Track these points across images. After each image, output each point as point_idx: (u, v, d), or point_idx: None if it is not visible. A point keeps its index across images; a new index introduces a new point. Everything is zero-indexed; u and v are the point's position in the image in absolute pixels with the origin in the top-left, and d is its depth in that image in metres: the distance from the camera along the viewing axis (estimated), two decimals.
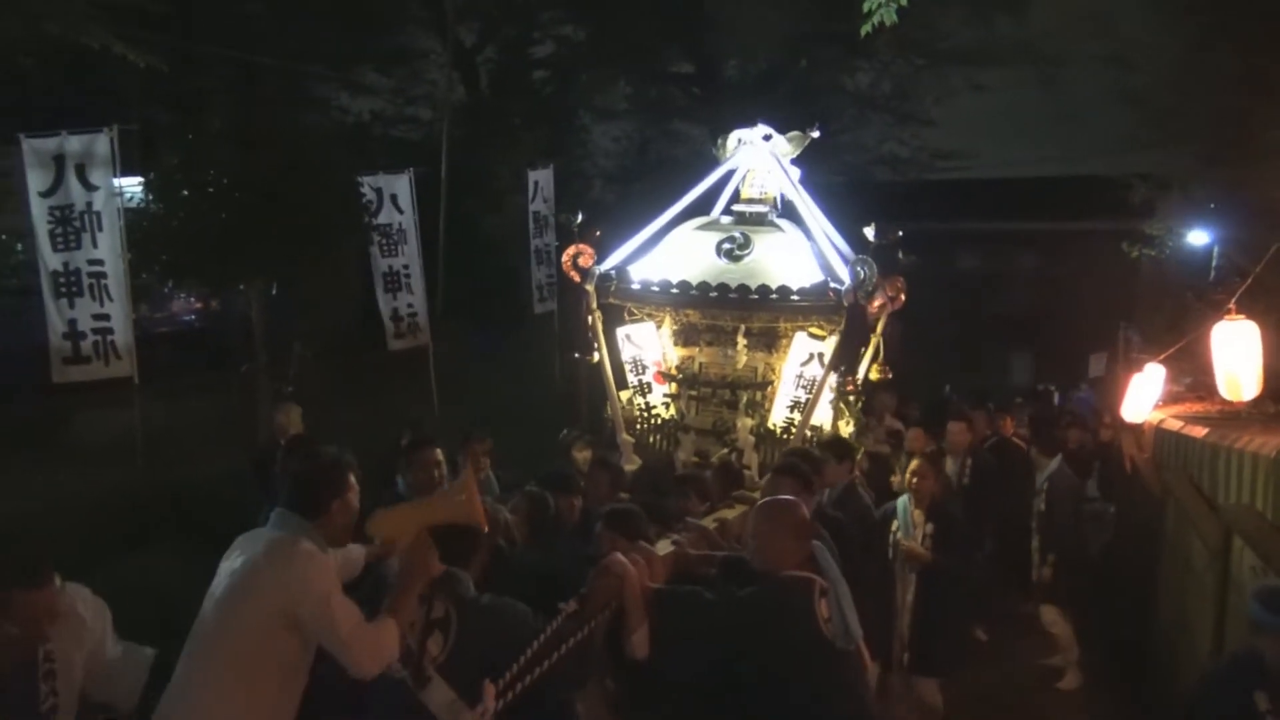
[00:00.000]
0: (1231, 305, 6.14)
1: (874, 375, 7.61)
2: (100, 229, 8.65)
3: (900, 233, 7.06)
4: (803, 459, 4.74)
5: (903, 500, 5.86)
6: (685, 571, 3.65)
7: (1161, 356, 8.17)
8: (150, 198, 10.00)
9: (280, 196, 9.48)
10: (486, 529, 3.44)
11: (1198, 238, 11.51)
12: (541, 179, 14.21)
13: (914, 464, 5.81)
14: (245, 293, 10.76)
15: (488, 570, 3.47)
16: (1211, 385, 7.83)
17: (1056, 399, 12.71)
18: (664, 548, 3.70)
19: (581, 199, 14.41)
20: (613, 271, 7.48)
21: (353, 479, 3.39)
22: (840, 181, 23.98)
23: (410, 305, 11.78)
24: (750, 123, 8.05)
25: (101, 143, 8.62)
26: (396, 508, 3.63)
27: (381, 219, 11.53)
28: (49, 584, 2.94)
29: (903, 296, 7.41)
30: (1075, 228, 21.34)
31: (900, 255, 7.32)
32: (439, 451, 4.90)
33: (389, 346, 11.83)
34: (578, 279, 7.43)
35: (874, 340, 7.58)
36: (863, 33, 7.30)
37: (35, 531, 7.54)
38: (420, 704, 3.06)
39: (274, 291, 11.88)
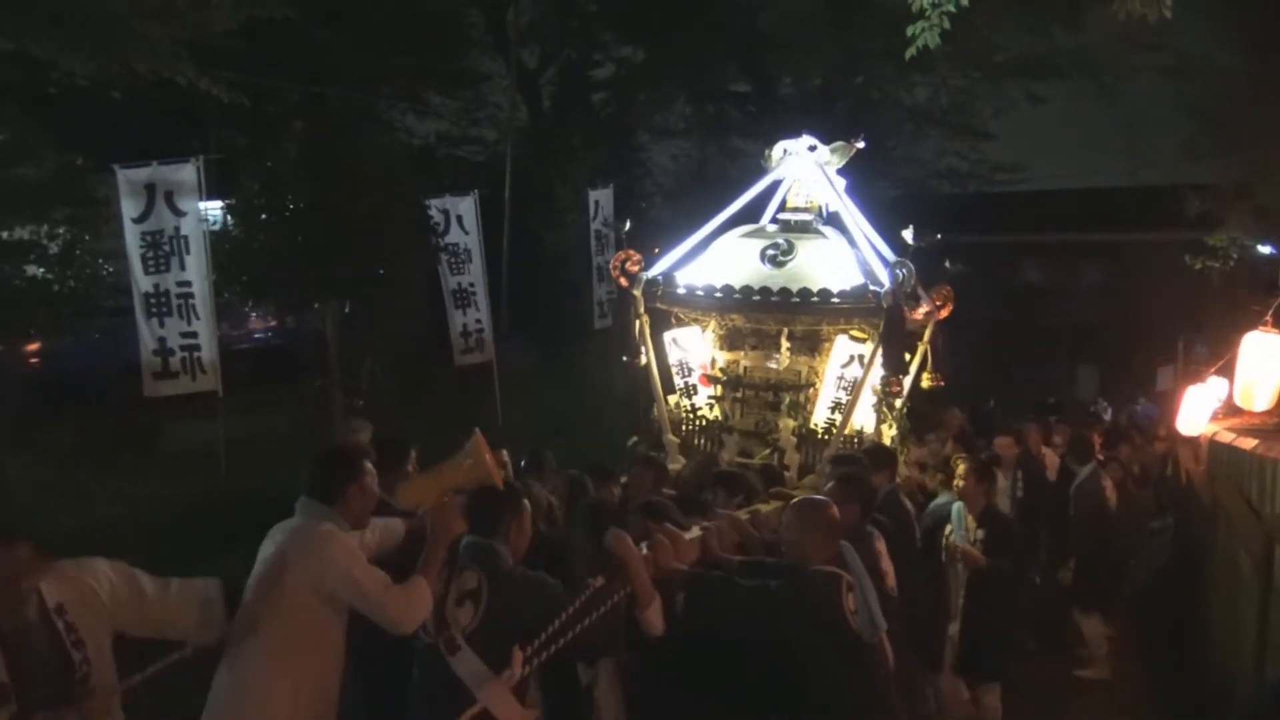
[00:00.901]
0: (1268, 318, 6.24)
1: (925, 383, 7.72)
2: (188, 252, 9.22)
3: (939, 236, 7.19)
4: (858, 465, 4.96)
5: (958, 505, 5.93)
6: (710, 557, 3.83)
7: (1213, 369, 8.22)
8: (232, 221, 10.59)
9: (353, 220, 9.96)
10: (501, 485, 3.63)
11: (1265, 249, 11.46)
12: (602, 198, 14.58)
13: (960, 468, 5.91)
14: (320, 311, 11.27)
15: (530, 550, 3.67)
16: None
17: (1108, 414, 12.63)
18: (693, 534, 3.88)
19: (640, 216, 14.70)
20: (660, 277, 7.63)
21: (369, 465, 3.60)
22: (898, 196, 24.17)
23: (477, 321, 12.24)
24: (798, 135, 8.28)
25: (188, 171, 9.20)
26: (417, 478, 3.94)
27: (448, 239, 12.00)
28: (16, 547, 3.08)
29: (950, 304, 7.55)
30: (1139, 239, 21.10)
31: (946, 264, 7.45)
32: (504, 452, 5.21)
33: (456, 362, 12.27)
34: (625, 284, 7.61)
35: (921, 348, 7.70)
36: (907, 56, 7.55)
37: (129, 534, 8.09)
38: (450, 670, 3.28)
39: (347, 309, 12.40)
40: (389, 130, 20.72)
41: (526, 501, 3.74)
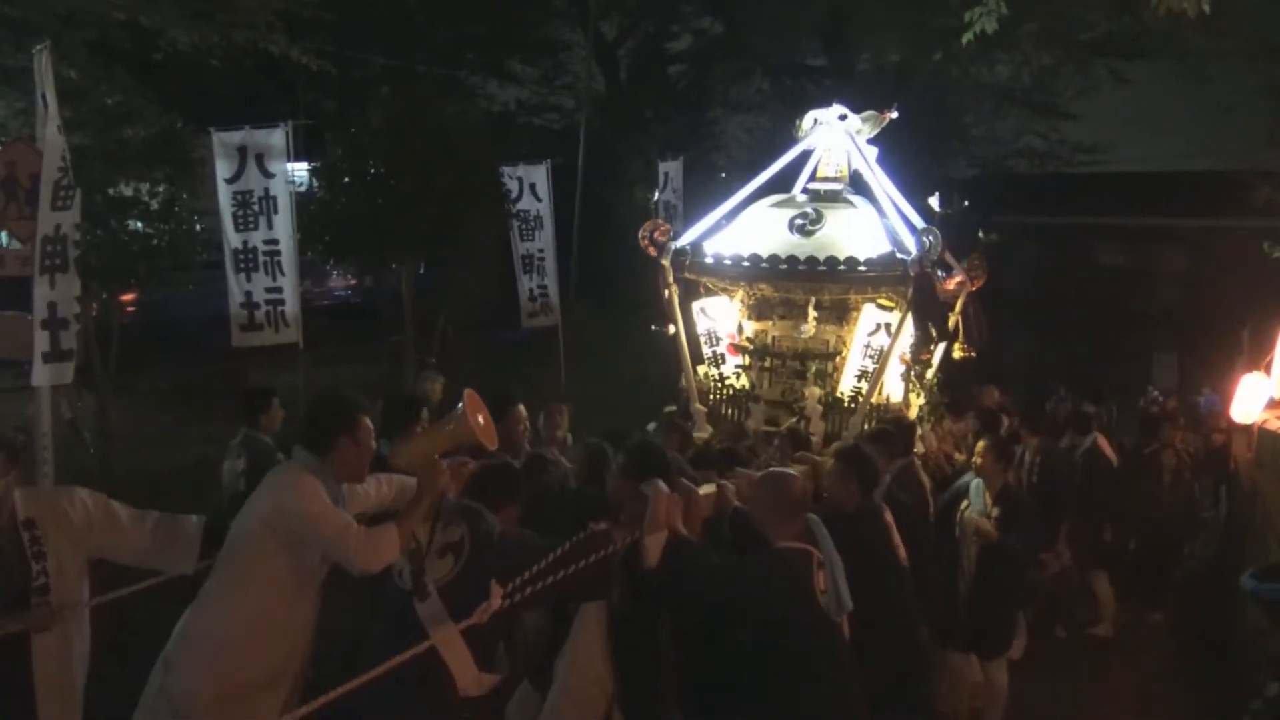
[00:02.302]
0: None
1: (956, 354, 7.65)
2: (275, 212, 9.69)
3: (966, 203, 7.21)
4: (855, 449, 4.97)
5: (977, 482, 5.96)
6: (724, 511, 3.93)
7: (1265, 361, 8.26)
8: (316, 183, 11.13)
9: (432, 185, 10.41)
10: (490, 446, 3.71)
11: None
12: (671, 170, 14.81)
13: (979, 447, 5.97)
14: (397, 271, 11.79)
15: (532, 507, 3.84)
16: None
17: (1158, 404, 12.55)
18: (708, 489, 3.98)
19: (709, 189, 14.93)
20: (688, 247, 7.56)
21: (365, 420, 3.61)
22: (975, 174, 23.92)
23: (543, 286, 12.65)
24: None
25: (278, 136, 9.64)
26: (413, 438, 4.13)
27: (521, 206, 12.42)
28: None
29: (983, 275, 7.39)
30: (1221, 224, 20.67)
31: (981, 234, 7.44)
32: (522, 409, 5.66)
33: (523, 324, 12.72)
34: (654, 254, 7.59)
35: (953, 318, 7.55)
36: (964, 40, 7.70)
37: (218, 472, 8.71)
38: (416, 615, 3.36)
39: (422, 270, 12.93)
40: (471, 97, 21.20)
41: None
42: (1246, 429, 9.00)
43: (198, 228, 9.89)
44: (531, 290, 12.58)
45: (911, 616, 4.58)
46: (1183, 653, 7.50)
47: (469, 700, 3.48)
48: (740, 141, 22.81)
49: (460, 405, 3.65)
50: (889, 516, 4.55)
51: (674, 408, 7.58)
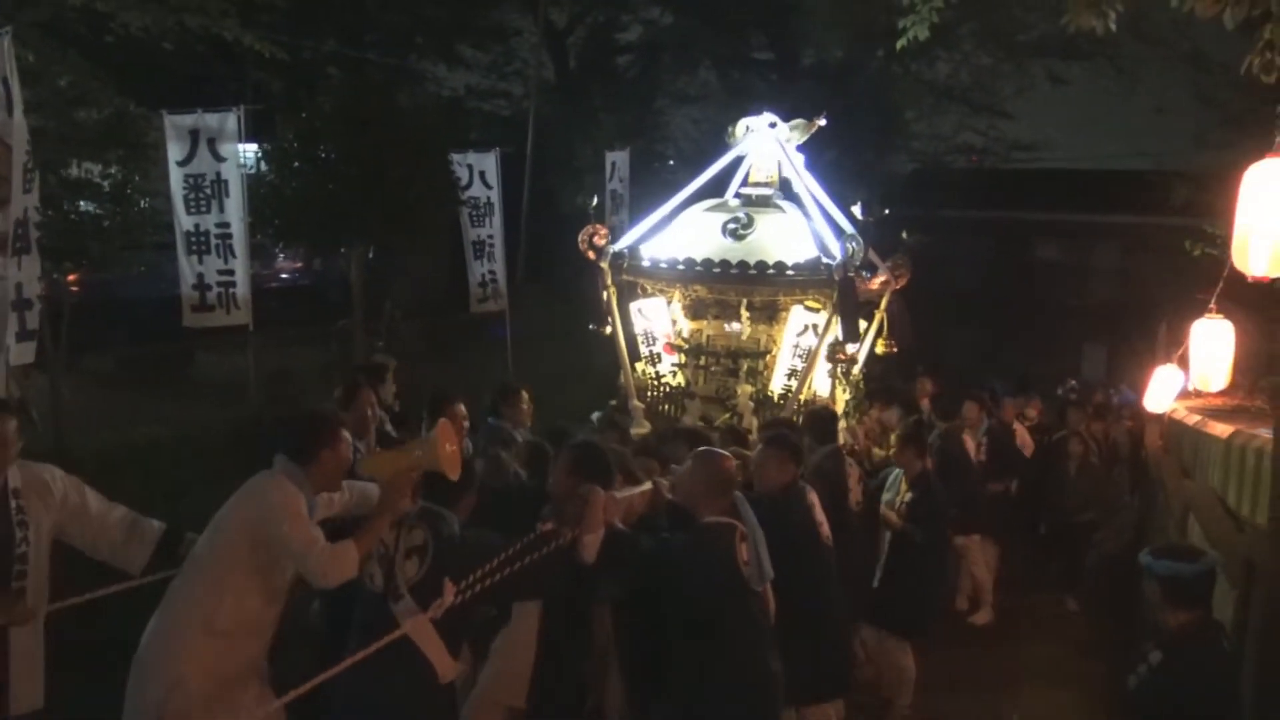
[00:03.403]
0: (1212, 305, 6.79)
1: (880, 349, 8.09)
2: (227, 195, 9.80)
3: (887, 211, 7.60)
4: (789, 429, 5.40)
5: (898, 471, 6.37)
6: (657, 506, 4.17)
7: (1177, 354, 8.77)
8: (267, 166, 11.21)
9: (384, 171, 10.54)
10: (456, 477, 3.80)
11: None
12: (619, 160, 15.02)
13: (892, 438, 6.38)
14: (346, 255, 11.90)
15: (479, 509, 4.00)
16: (1237, 382, 8.48)
17: (1074, 394, 13.15)
18: (645, 487, 4.22)
19: (657, 179, 15.22)
20: (626, 250, 7.90)
21: (345, 434, 3.85)
22: (915, 169, 24.49)
23: (492, 273, 12.83)
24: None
25: (231, 120, 9.75)
26: (382, 453, 4.37)
27: (470, 193, 12.56)
28: (9, 419, 3.58)
29: (907, 274, 7.82)
30: (1148, 222, 21.34)
31: (904, 235, 7.86)
32: (461, 407, 5.84)
33: (471, 309, 12.87)
34: (593, 257, 7.88)
35: (878, 316, 8.01)
36: (898, 47, 8.04)
37: (166, 453, 8.82)
38: (392, 616, 3.54)
39: (371, 255, 13.05)
40: (420, 81, 21.22)
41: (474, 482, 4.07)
42: (1158, 419, 9.54)
43: (143, 204, 9.91)
44: (482, 276, 12.75)
45: (830, 592, 4.82)
46: (1097, 632, 7.84)
47: (445, 686, 3.69)
48: (687, 133, 23.17)
49: (433, 434, 3.80)
50: (813, 498, 4.84)
51: (614, 402, 7.87)
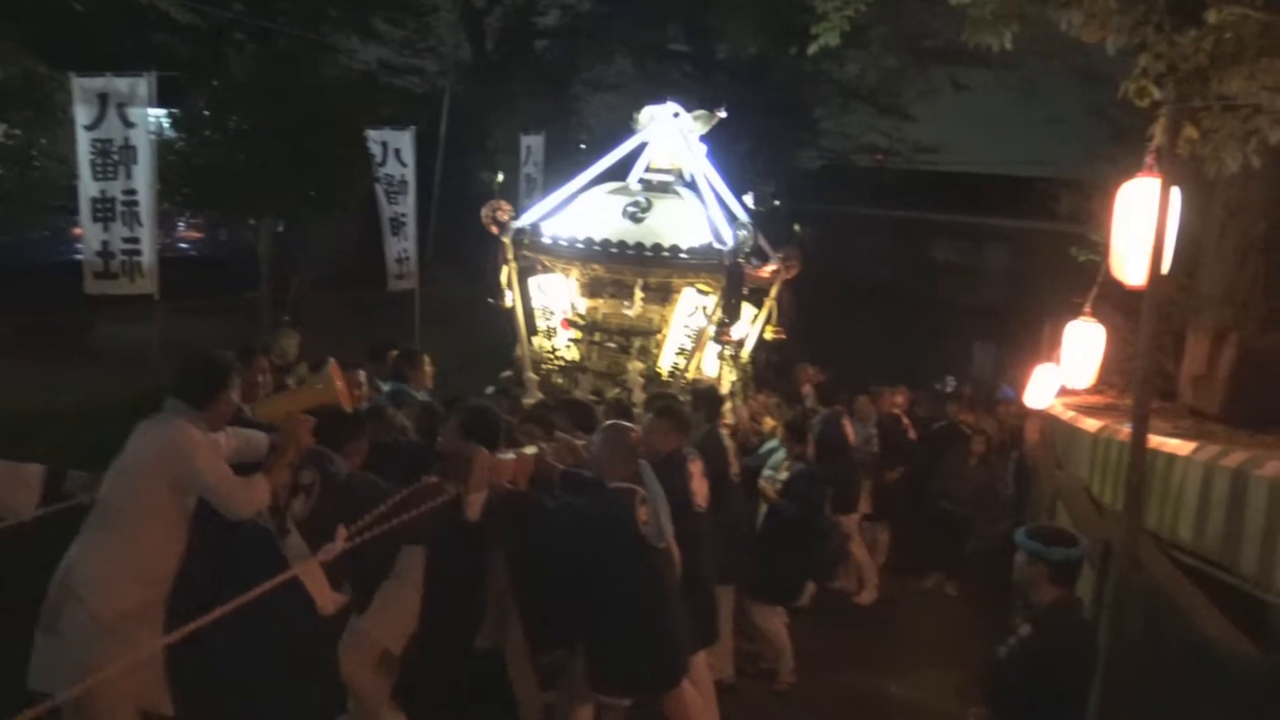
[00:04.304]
0: (1087, 308, 7.28)
1: (769, 335, 8.47)
2: (135, 162, 9.63)
3: (777, 203, 7.94)
4: (675, 402, 5.66)
5: (781, 451, 6.79)
6: (541, 472, 4.42)
7: (1057, 354, 9.32)
8: (176, 134, 11.04)
9: (298, 143, 10.50)
10: (349, 408, 4.15)
11: None
12: (534, 144, 15.14)
13: (769, 421, 6.83)
14: (255, 227, 11.80)
15: (370, 456, 4.24)
16: (1111, 381, 9.06)
17: (951, 388, 13.81)
18: (530, 451, 4.47)
19: (571, 164, 15.31)
20: (528, 227, 8.06)
21: (236, 379, 3.99)
22: (823, 165, 25.07)
23: (405, 250, 12.84)
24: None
25: (142, 85, 9.57)
26: (275, 396, 4.61)
27: (385, 170, 12.55)
28: None
29: (798, 265, 8.23)
30: (1039, 227, 22.19)
31: (796, 227, 8.22)
32: (362, 373, 6.06)
33: (389, 287, 12.81)
34: (496, 231, 8.01)
35: (767, 304, 8.38)
36: (810, 52, 8.35)
37: (56, 423, 8.62)
38: (279, 550, 3.72)
39: (280, 228, 12.93)
40: (333, 53, 20.86)
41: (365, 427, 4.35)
42: (1037, 414, 10.12)
43: (43, 167, 9.69)
44: (399, 254, 12.76)
45: (700, 554, 5.02)
46: (977, 613, 8.20)
47: (325, 620, 3.87)
48: (603, 120, 23.17)
49: (326, 369, 4.07)
50: (694, 467, 5.09)
51: (509, 373, 8.07)
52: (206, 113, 10.84)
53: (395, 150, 12.54)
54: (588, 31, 22.93)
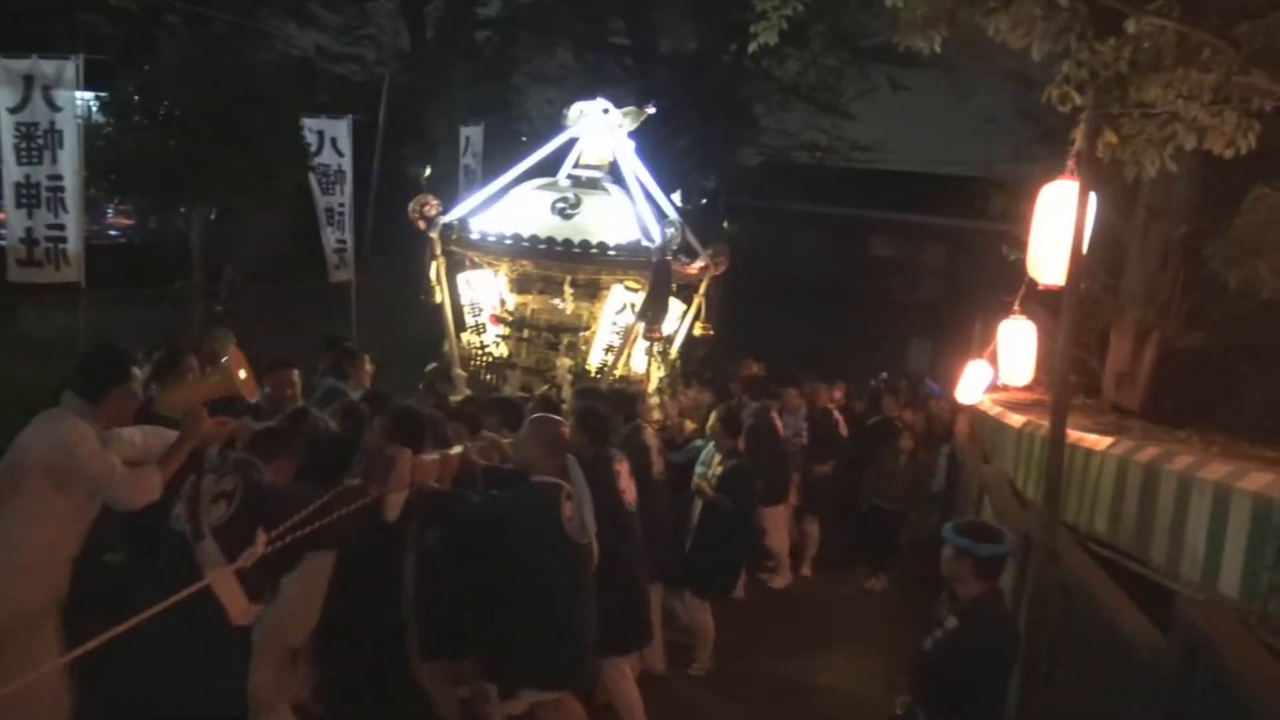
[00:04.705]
0: (1016, 307, 7.47)
1: (697, 332, 8.53)
2: (61, 147, 9.37)
3: (704, 201, 8.04)
4: (598, 398, 5.76)
5: (710, 446, 6.82)
6: (467, 470, 4.38)
7: (988, 350, 9.54)
8: (104, 118, 10.75)
9: (231, 130, 10.30)
10: (250, 398, 4.19)
11: None
12: (473, 135, 15.09)
13: (711, 419, 6.78)
14: (186, 215, 11.57)
15: (303, 462, 4.11)
16: (1040, 378, 9.27)
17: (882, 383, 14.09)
18: (456, 450, 4.39)
19: (510, 156, 15.27)
20: (456, 222, 8.02)
21: (135, 372, 3.91)
22: (762, 161, 25.26)
23: (342, 241, 12.71)
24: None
25: (69, 69, 9.31)
26: (178, 387, 4.50)
27: (321, 160, 12.39)
28: None
29: (726, 262, 8.27)
30: (973, 226, 22.61)
31: (725, 225, 8.29)
32: (295, 372, 5.92)
33: (330, 278, 12.66)
34: (423, 226, 7.98)
35: (696, 300, 8.43)
36: (750, 50, 8.45)
37: None
38: (193, 557, 3.57)
39: (213, 216, 12.69)
40: (268, 38, 20.53)
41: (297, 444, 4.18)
42: (967, 409, 10.35)
43: None
44: (337, 244, 12.61)
45: (629, 551, 5.11)
46: (904, 605, 8.33)
47: (240, 628, 3.73)
48: (543, 112, 23.12)
49: (225, 360, 4.03)
50: (620, 466, 5.14)
51: (435, 365, 8.03)
52: (136, 97, 10.57)
53: (332, 139, 12.42)
54: (529, 23, 22.82)
